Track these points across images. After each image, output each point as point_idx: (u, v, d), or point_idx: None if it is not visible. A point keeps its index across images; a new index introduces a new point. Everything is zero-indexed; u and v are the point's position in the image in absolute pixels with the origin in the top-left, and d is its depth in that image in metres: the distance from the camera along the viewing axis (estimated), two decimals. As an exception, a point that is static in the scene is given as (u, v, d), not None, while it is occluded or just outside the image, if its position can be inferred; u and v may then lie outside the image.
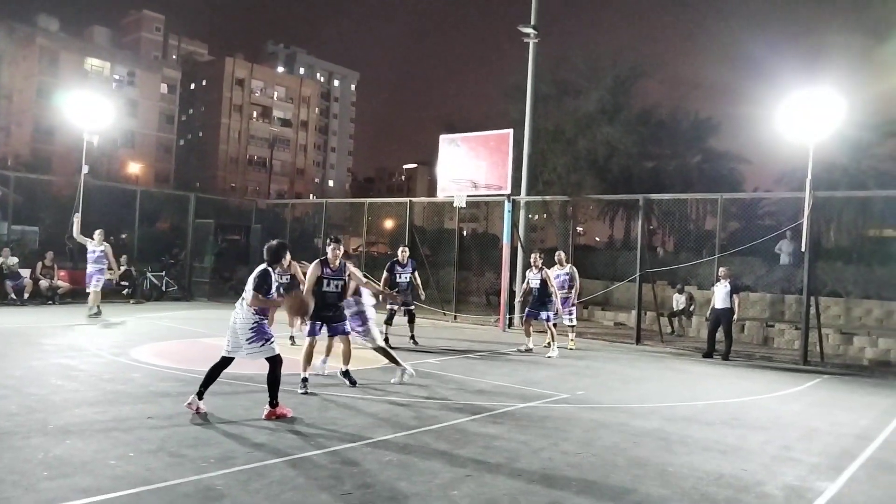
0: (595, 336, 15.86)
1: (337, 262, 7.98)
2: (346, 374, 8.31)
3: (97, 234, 14.21)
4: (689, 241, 18.96)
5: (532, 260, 12.62)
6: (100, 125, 20.23)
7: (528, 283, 12.72)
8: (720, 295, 12.79)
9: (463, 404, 7.66)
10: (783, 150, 19.86)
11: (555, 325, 12.41)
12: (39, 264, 16.74)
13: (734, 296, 12.68)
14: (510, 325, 16.47)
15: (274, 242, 6.85)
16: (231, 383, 7.99)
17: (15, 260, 16.46)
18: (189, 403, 6.45)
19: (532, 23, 17.19)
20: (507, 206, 16.81)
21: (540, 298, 12.25)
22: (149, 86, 67.56)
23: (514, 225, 16.95)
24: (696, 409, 8.17)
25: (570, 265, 13.62)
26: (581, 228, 34.37)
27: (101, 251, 14.10)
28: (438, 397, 7.95)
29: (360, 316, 8.46)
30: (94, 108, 20.13)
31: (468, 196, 17.08)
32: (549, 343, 12.50)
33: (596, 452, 5.96)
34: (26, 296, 16.14)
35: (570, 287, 13.34)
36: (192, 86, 76.58)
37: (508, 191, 16.45)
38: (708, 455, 6.09)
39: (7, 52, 64.63)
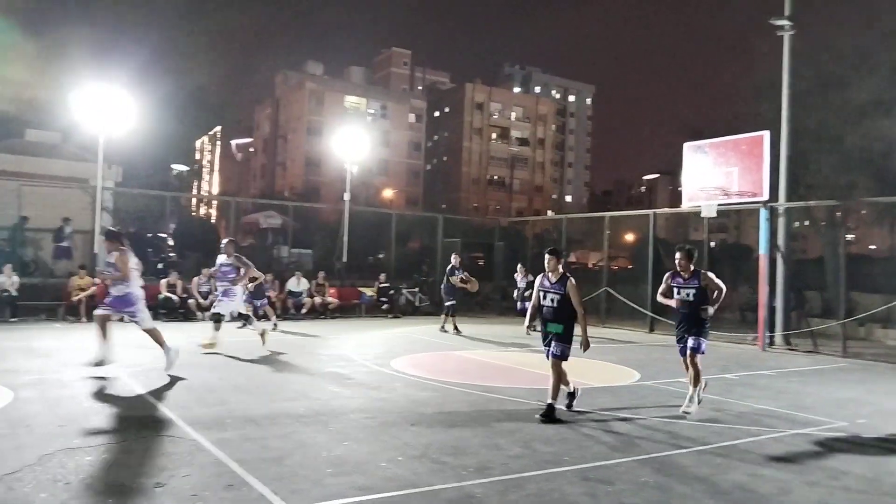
0: (876, 357, 13.99)
1: (553, 276, 7.32)
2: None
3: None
4: None
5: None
6: (358, 156, 22.55)
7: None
8: None
9: (723, 427, 7.18)
10: None
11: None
12: (313, 282, 18.81)
13: None
14: (771, 343, 15.14)
15: None
16: (482, 395, 8.32)
17: (305, 284, 18.56)
18: None
19: (786, 13, 15.83)
20: (764, 214, 15.53)
21: (692, 315, 8.00)
22: (398, 117, 73.51)
23: (773, 234, 15.61)
24: None
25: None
26: (852, 236, 30.53)
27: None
28: (695, 419, 7.51)
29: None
30: (354, 142, 22.48)
31: (718, 205, 16.07)
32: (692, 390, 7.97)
33: (887, 491, 5.23)
34: (303, 311, 18.20)
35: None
36: (437, 113, 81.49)
37: (765, 197, 15.20)
38: None
39: (283, 97, 74.30)
